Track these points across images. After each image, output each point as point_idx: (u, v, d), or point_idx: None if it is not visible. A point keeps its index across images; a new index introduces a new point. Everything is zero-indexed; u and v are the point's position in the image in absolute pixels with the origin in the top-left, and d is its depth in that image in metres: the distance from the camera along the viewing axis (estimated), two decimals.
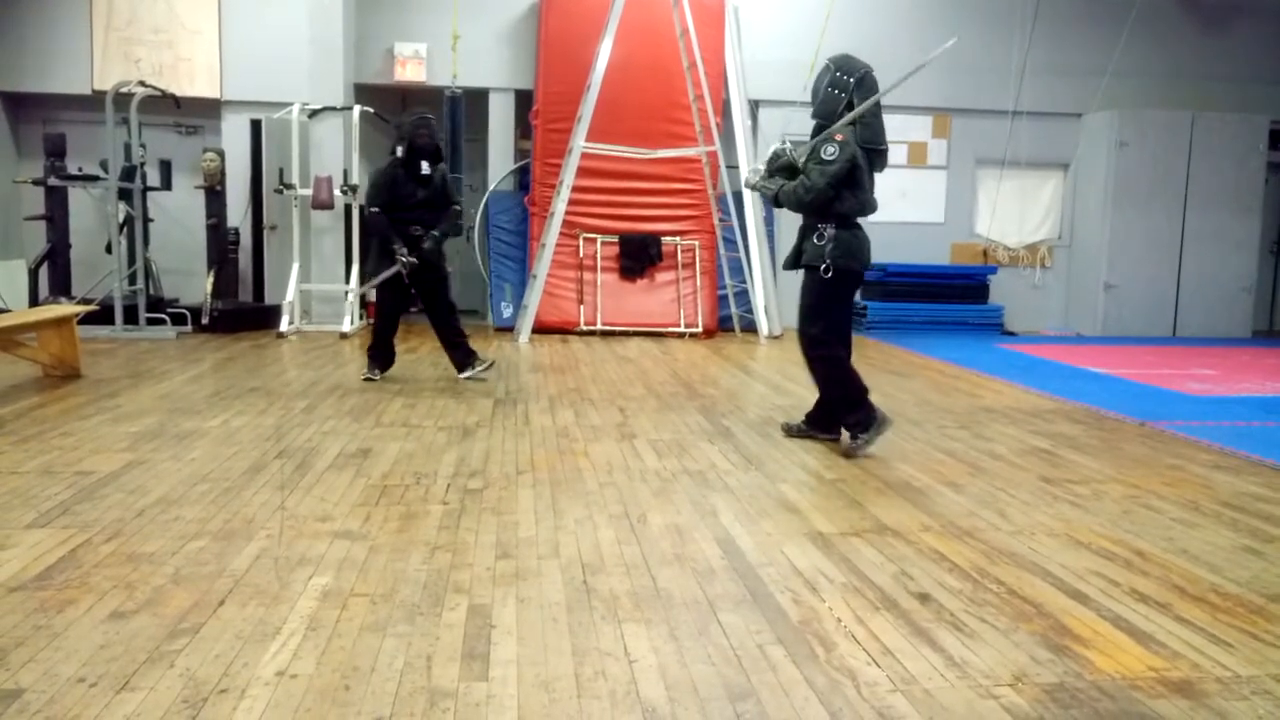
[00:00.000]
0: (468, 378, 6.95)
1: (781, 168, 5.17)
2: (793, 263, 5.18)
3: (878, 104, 4.96)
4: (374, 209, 6.67)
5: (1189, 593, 3.13)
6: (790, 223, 11.33)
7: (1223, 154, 11.24)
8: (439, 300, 6.95)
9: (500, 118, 11.05)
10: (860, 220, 5.05)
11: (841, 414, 5.10)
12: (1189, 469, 4.84)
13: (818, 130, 5.04)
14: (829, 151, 4.85)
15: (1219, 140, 11.23)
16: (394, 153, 6.66)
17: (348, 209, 9.97)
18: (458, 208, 6.95)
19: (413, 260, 6.57)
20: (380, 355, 6.99)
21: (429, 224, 6.66)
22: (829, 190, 4.85)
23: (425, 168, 6.66)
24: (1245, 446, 5.31)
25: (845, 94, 4.94)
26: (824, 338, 5.06)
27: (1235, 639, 2.77)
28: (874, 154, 5.00)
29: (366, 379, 6.85)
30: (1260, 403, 6.89)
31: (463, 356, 6.99)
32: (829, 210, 4.93)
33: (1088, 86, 11.32)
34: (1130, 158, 11.16)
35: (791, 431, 5.38)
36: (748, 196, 10.32)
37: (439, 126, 6.93)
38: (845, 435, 5.07)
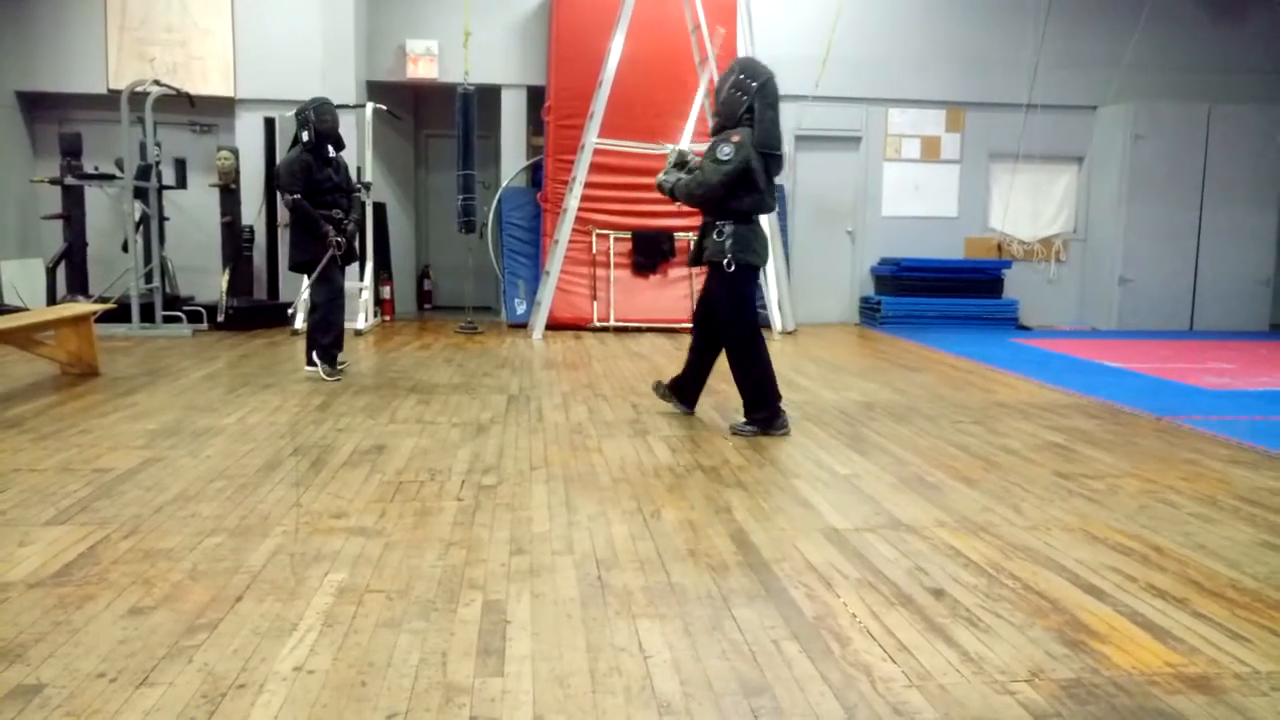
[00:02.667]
0: (322, 374, 6.81)
1: (680, 164, 5.45)
2: (695, 259, 5.43)
3: (776, 110, 5.17)
4: (295, 195, 6.53)
5: (1206, 588, 3.11)
6: (799, 224, 11.36)
7: (1239, 146, 11.15)
8: (327, 291, 6.86)
9: (512, 114, 11.06)
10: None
11: (750, 407, 5.32)
12: (1206, 464, 4.81)
13: (718, 130, 5.24)
14: (724, 151, 5.05)
15: (1236, 132, 11.14)
16: (299, 139, 6.64)
17: (363, 206, 9.98)
18: (359, 194, 7.03)
19: (343, 241, 6.66)
20: (337, 344, 6.87)
21: (344, 209, 6.74)
22: (720, 188, 5.08)
23: (331, 152, 6.72)
24: (1263, 441, 5.27)
25: (748, 97, 5.12)
26: (745, 333, 5.27)
27: (1253, 634, 2.75)
28: (769, 158, 5.18)
29: (335, 378, 6.70)
30: (1278, 397, 6.84)
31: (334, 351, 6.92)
32: (726, 208, 5.16)
33: (1102, 79, 11.25)
34: (1146, 150, 11.08)
35: (659, 390, 5.80)
36: None
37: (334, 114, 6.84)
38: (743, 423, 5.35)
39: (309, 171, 6.57)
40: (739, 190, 5.11)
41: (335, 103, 9.82)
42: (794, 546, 3.43)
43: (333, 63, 10.05)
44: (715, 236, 5.20)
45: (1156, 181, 11.13)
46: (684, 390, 5.74)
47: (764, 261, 5.35)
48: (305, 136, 6.58)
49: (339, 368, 6.89)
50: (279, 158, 9.97)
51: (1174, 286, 11.31)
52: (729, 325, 5.30)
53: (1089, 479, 4.47)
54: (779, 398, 5.34)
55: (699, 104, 9.68)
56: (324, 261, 6.60)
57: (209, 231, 9.99)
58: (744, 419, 5.35)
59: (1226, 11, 11.61)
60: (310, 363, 6.83)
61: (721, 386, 6.80)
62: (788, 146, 10.92)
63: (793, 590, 3.01)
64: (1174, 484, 4.41)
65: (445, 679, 2.38)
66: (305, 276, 7.11)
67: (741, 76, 5.15)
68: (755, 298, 5.46)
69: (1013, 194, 11.56)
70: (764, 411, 5.28)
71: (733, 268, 5.14)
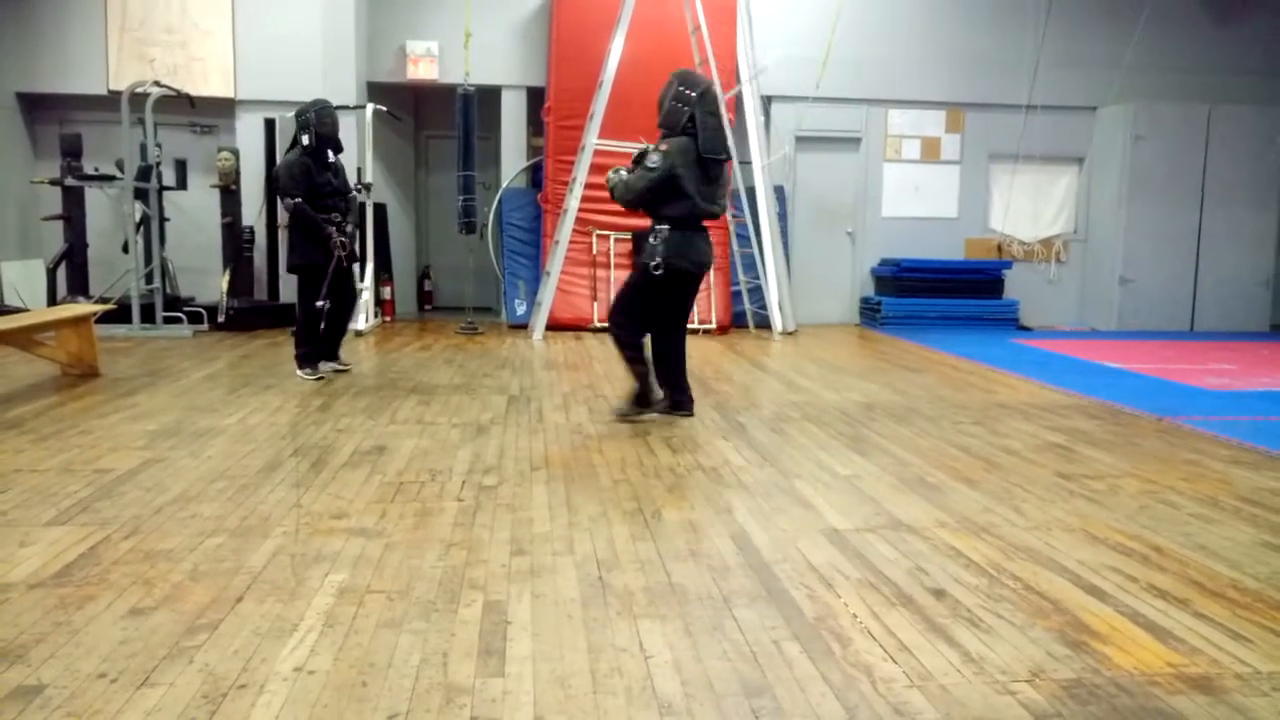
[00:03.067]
0: (330, 369, 6.91)
1: (638, 161, 5.55)
2: (634, 258, 5.46)
3: (718, 116, 5.38)
4: (295, 199, 6.48)
5: (1207, 588, 3.11)
6: (799, 224, 11.35)
7: (1240, 147, 11.16)
8: (351, 292, 6.96)
9: (513, 115, 11.06)
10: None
11: (637, 390, 5.56)
12: (1207, 464, 4.81)
13: (664, 138, 5.41)
14: (652, 160, 5.28)
15: (1236, 133, 11.14)
16: (298, 141, 6.59)
17: (362, 207, 9.99)
18: (356, 196, 7.09)
19: (346, 242, 6.65)
20: (322, 347, 6.86)
21: (342, 212, 6.72)
22: (646, 194, 5.32)
23: (331, 156, 6.69)
24: (1264, 441, 5.27)
25: (688, 107, 5.29)
26: (629, 326, 5.53)
27: (1255, 635, 2.75)
28: (714, 162, 5.38)
29: (319, 377, 6.69)
30: (1279, 397, 6.84)
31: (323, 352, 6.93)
32: (659, 214, 5.36)
33: (1103, 80, 11.25)
34: (1146, 151, 11.08)
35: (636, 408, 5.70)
36: (761, 193, 10.29)
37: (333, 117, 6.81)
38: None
39: (309, 175, 6.55)
40: (669, 197, 5.31)
41: (335, 104, 9.91)
42: (795, 547, 3.43)
43: (333, 64, 10.05)
44: (651, 240, 5.42)
45: (1157, 182, 11.13)
46: (659, 386, 5.65)
47: (698, 268, 5.45)
48: (305, 140, 6.56)
49: (343, 367, 6.92)
50: (279, 159, 9.99)
51: (1174, 287, 11.31)
52: (619, 313, 5.56)
53: (1090, 479, 4.47)
54: (653, 384, 5.58)
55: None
56: (331, 269, 6.57)
57: (209, 232, 9.99)
58: (628, 403, 5.62)
59: (1227, 13, 11.61)
60: (307, 361, 6.79)
61: (722, 387, 6.81)
62: (787, 147, 11.10)
63: (794, 591, 3.01)
64: (1175, 484, 4.41)
65: (446, 679, 2.38)
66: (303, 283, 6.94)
67: (681, 88, 5.34)
68: (689, 301, 5.64)
69: (1013, 195, 11.56)
70: (639, 391, 5.56)
71: (660, 271, 5.33)
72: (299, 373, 6.74)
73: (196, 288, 10.18)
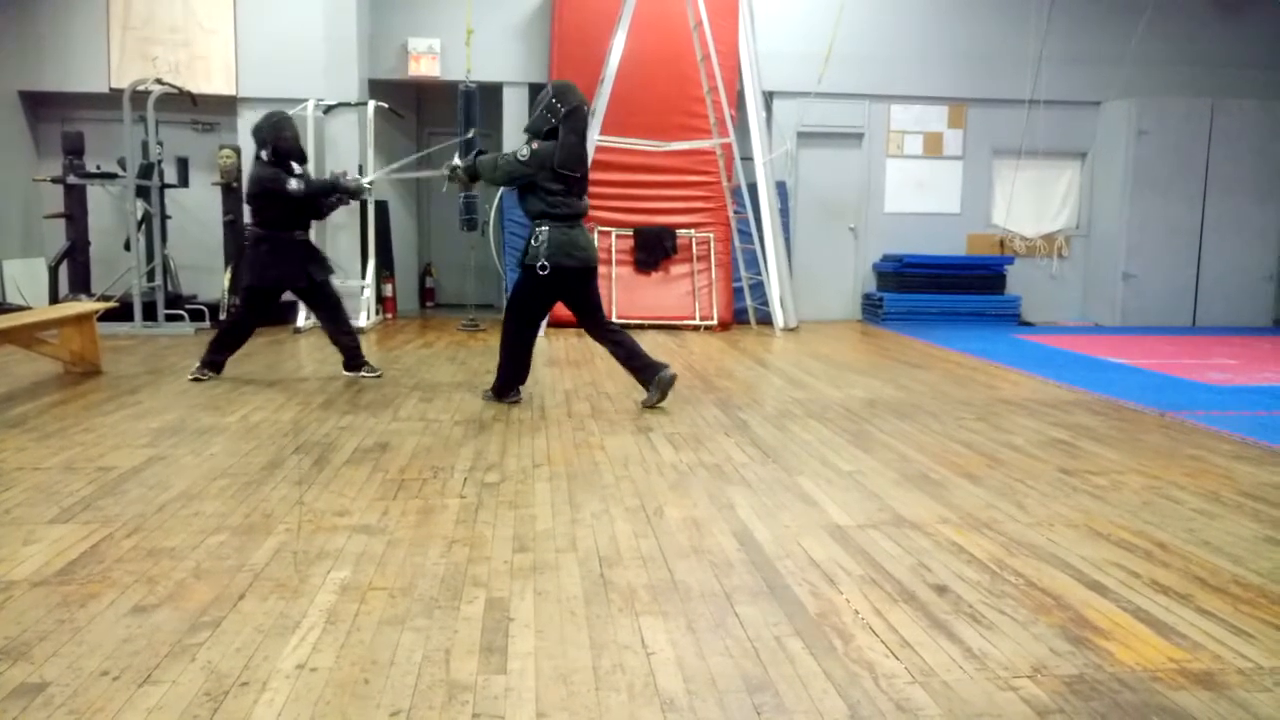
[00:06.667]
0: (363, 375, 6.76)
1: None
2: (519, 261, 5.83)
3: (580, 136, 5.68)
4: (298, 182, 6.40)
5: (1210, 584, 3.10)
6: (801, 220, 11.34)
7: (1243, 142, 11.13)
8: (332, 298, 6.77)
9: (514, 112, 11.04)
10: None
11: (499, 382, 5.91)
12: (1210, 459, 4.81)
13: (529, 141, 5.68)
14: (522, 153, 5.58)
15: (1239, 128, 11.12)
16: (260, 157, 6.47)
17: (363, 204, 10.00)
18: (358, 181, 7.05)
19: (367, 186, 6.70)
20: (232, 349, 6.71)
21: (304, 227, 6.60)
22: (505, 179, 5.70)
23: (296, 168, 6.57)
24: (1267, 437, 5.27)
25: (555, 119, 5.56)
26: (519, 326, 5.79)
27: (1257, 630, 2.75)
28: (568, 179, 5.60)
29: (196, 379, 6.49)
30: None
31: (357, 354, 6.82)
32: (528, 210, 5.65)
33: (1106, 74, 11.23)
34: (1149, 146, 11.06)
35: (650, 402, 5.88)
36: (762, 189, 10.28)
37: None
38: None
39: (281, 181, 6.41)
40: (527, 194, 5.64)
41: (337, 101, 9.95)
42: (797, 543, 3.43)
43: (335, 61, 10.05)
44: (533, 241, 5.62)
45: (1160, 177, 11.10)
46: (642, 370, 5.85)
47: (582, 264, 5.62)
48: (265, 156, 6.43)
49: (373, 374, 6.76)
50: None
51: (1177, 282, 11.29)
52: (510, 313, 5.81)
53: (1092, 475, 4.47)
54: (520, 382, 5.97)
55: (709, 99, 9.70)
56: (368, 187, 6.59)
57: (211, 230, 9.99)
58: (490, 390, 5.97)
59: (1230, 7, 11.57)
60: (357, 368, 6.75)
61: (724, 384, 6.81)
62: (789, 143, 11.08)
63: (796, 587, 3.01)
64: (1177, 480, 4.40)
65: (448, 676, 2.39)
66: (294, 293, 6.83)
67: (554, 100, 5.58)
68: (588, 295, 5.80)
69: (1016, 190, 11.55)
70: (500, 383, 5.90)
71: (546, 270, 5.54)
72: (194, 371, 6.52)
73: (198, 285, 10.18)
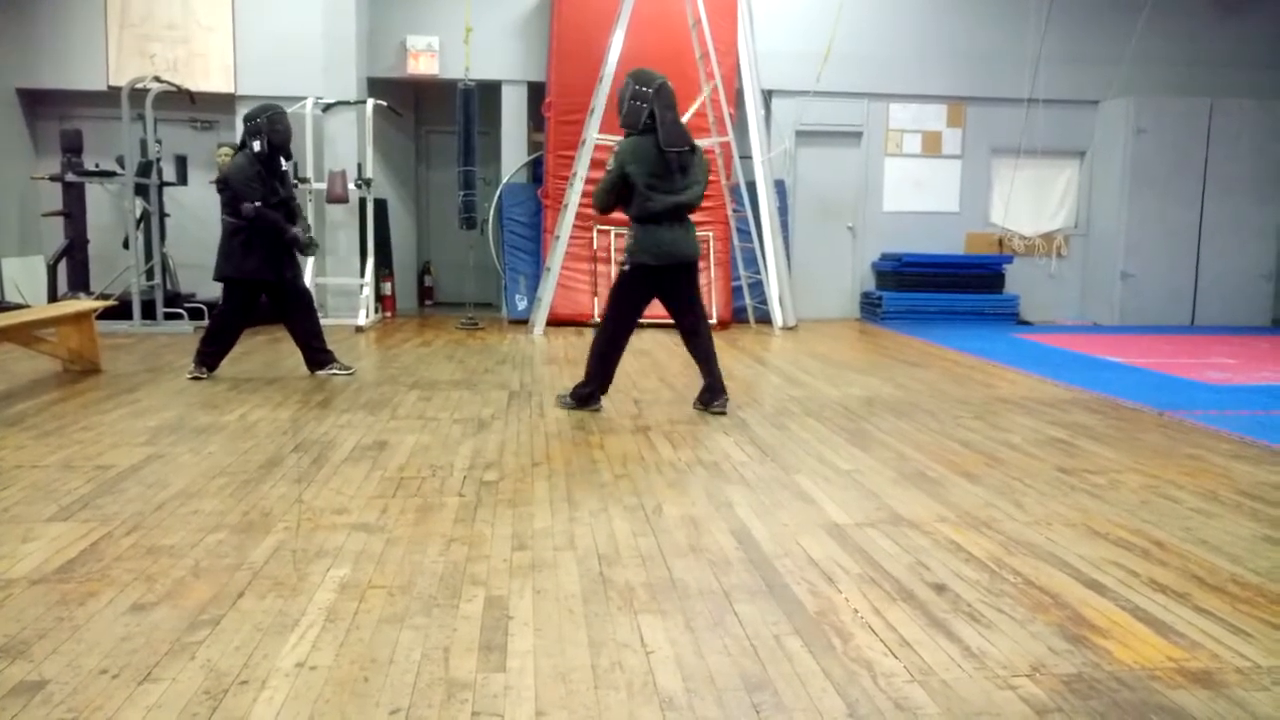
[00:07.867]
0: (327, 374, 6.71)
1: None
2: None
3: (674, 110, 5.48)
4: (255, 204, 6.27)
5: (1208, 583, 3.11)
6: (800, 219, 11.35)
7: (1241, 141, 11.13)
8: (303, 294, 6.72)
9: (513, 110, 11.05)
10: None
11: (582, 385, 5.75)
12: (1208, 458, 4.81)
13: (627, 137, 5.56)
14: (610, 163, 5.53)
15: (1238, 127, 11.11)
16: (245, 146, 6.37)
17: (362, 203, 10.00)
18: (298, 205, 6.85)
19: (314, 240, 6.49)
20: (223, 353, 6.63)
21: (290, 219, 6.52)
22: (604, 196, 5.55)
23: (283, 164, 6.51)
24: (1265, 436, 5.27)
25: (647, 104, 5.43)
26: (614, 327, 5.69)
27: (1255, 629, 2.75)
28: (676, 154, 5.46)
29: (195, 377, 6.47)
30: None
31: (323, 354, 6.76)
32: (629, 214, 5.54)
33: (1104, 74, 11.23)
34: (1148, 145, 11.06)
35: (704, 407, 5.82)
36: (761, 188, 10.27)
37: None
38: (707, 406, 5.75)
39: (261, 180, 6.34)
40: (625, 196, 5.51)
41: (335, 100, 9.95)
42: (796, 542, 3.43)
43: (333, 59, 10.05)
44: (628, 239, 5.64)
45: (1158, 176, 11.11)
46: (709, 382, 5.80)
47: (662, 262, 5.52)
48: (257, 146, 6.32)
49: (345, 371, 6.76)
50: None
51: (1175, 281, 11.29)
52: (606, 313, 5.76)
53: (1090, 474, 4.47)
54: (603, 390, 5.81)
55: (700, 99, 9.69)
56: (306, 263, 6.42)
57: (210, 228, 9.92)
58: (569, 395, 5.79)
59: (1228, 6, 11.57)
60: (320, 367, 6.71)
61: (727, 383, 6.80)
62: (788, 141, 11.08)
63: (794, 585, 3.02)
64: (1175, 479, 4.41)
65: (447, 675, 2.39)
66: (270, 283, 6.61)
67: (638, 86, 5.46)
68: (675, 294, 5.70)
69: (1014, 189, 11.55)
70: (586, 390, 5.73)
71: (627, 267, 5.57)
72: (192, 370, 6.50)
73: (197, 284, 10.15)
